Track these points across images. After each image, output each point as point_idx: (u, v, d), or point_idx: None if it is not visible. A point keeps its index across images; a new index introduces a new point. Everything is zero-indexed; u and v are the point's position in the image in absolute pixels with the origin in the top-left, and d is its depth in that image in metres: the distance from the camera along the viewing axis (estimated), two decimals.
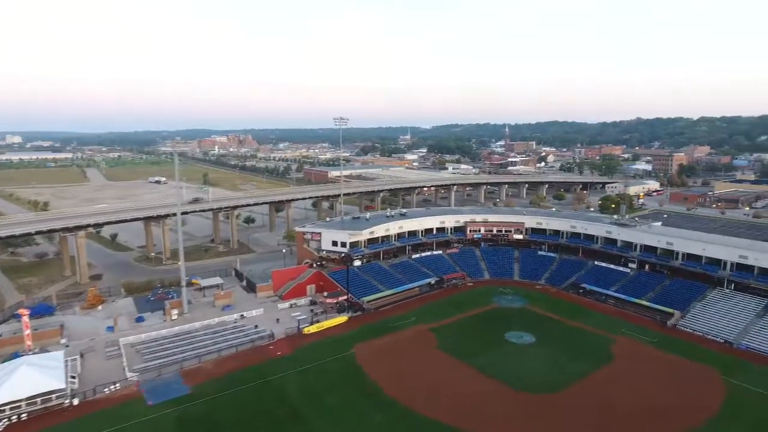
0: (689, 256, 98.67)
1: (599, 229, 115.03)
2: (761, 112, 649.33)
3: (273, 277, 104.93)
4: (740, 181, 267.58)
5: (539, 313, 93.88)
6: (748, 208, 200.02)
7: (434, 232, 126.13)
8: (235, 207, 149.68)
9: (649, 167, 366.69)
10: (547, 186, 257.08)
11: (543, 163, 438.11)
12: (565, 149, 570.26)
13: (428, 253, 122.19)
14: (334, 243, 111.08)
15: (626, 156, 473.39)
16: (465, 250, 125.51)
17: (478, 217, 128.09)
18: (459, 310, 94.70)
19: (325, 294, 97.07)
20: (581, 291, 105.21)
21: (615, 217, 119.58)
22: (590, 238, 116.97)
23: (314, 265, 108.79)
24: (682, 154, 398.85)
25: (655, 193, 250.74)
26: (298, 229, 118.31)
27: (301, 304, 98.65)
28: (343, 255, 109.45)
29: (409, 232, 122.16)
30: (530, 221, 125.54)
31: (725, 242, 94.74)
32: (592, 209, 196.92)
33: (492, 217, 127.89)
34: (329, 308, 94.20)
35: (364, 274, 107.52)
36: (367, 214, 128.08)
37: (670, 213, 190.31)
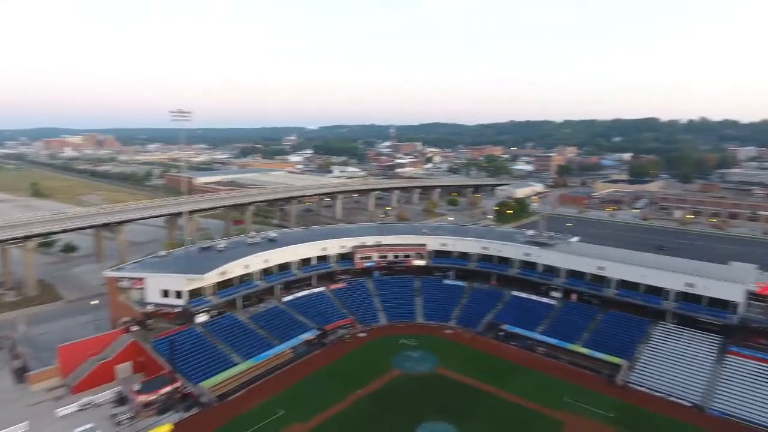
0: (625, 284, 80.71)
1: (516, 251, 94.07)
2: (614, 116, 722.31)
3: (60, 354, 67.39)
4: (616, 181, 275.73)
5: (456, 379, 68.61)
6: (637, 210, 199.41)
7: (314, 262, 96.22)
8: (29, 237, 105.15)
9: (530, 167, 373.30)
10: (439, 190, 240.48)
11: (430, 164, 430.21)
12: (449, 150, 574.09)
13: (306, 292, 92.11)
14: (166, 293, 76.08)
15: (506, 156, 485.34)
16: (354, 284, 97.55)
17: (370, 240, 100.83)
18: (347, 387, 66.01)
19: (137, 386, 61.69)
20: (501, 334, 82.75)
21: (529, 233, 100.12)
22: (505, 261, 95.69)
23: (131, 329, 72.77)
24: (555, 154, 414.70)
25: (542, 195, 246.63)
26: (108, 273, 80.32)
27: (102, 401, 62.65)
28: (179, 309, 75.26)
29: (279, 265, 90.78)
30: (433, 242, 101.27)
31: (668, 266, 78.39)
32: (490, 217, 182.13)
33: (387, 239, 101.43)
34: (143, 410, 59.53)
35: (210, 337, 74.28)
36: (221, 243, 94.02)
37: (564, 217, 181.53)
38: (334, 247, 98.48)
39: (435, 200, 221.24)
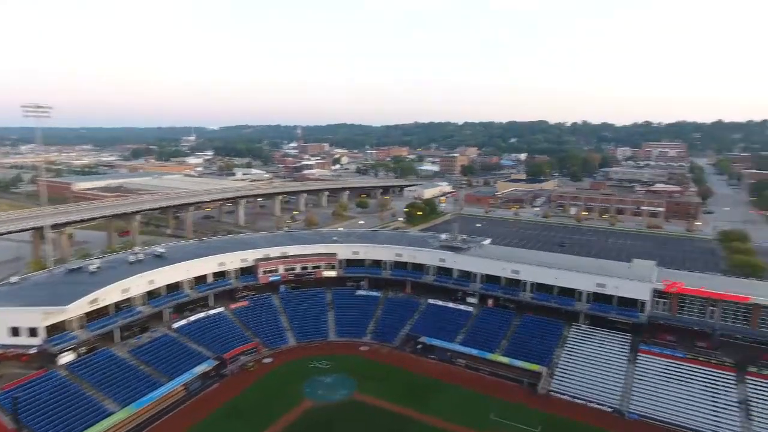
0: (540, 287, 79.82)
1: (430, 256, 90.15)
2: (509, 118, 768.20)
3: None
4: (516, 180, 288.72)
5: (375, 405, 62.31)
6: (537, 209, 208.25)
7: (210, 279, 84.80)
8: None
9: (436, 168, 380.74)
10: (348, 192, 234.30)
11: (338, 166, 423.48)
12: (356, 151, 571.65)
13: (202, 315, 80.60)
14: (16, 331, 61.22)
15: (412, 157, 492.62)
16: (258, 302, 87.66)
17: (275, 251, 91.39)
18: (253, 428, 56.87)
19: None
20: (419, 347, 78.06)
21: (443, 237, 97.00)
22: (420, 268, 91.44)
23: None
24: (459, 154, 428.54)
25: (449, 195, 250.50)
26: None
27: None
28: (34, 351, 61.01)
29: (168, 285, 78.37)
30: (345, 251, 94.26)
31: (580, 267, 78.63)
32: (401, 219, 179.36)
33: (294, 250, 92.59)
34: None
35: (77, 382, 60.88)
36: (94, 263, 79.10)
37: (473, 217, 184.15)
38: (233, 261, 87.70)
39: (344, 203, 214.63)
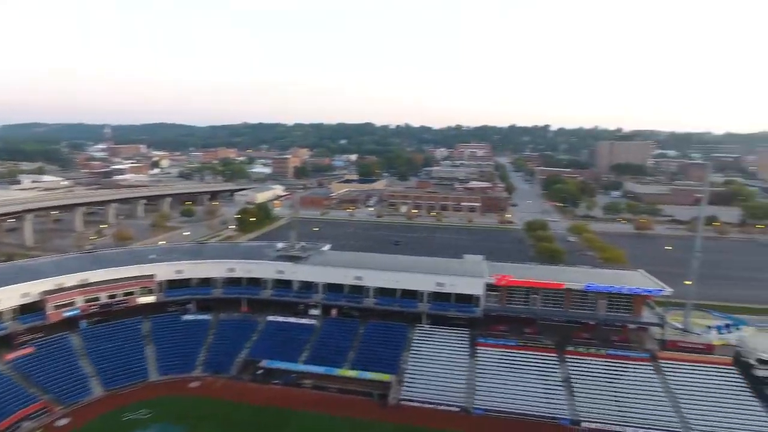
0: (383, 291, 78.35)
1: (267, 269, 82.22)
2: (338, 120, 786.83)
3: None
4: (349, 181, 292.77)
5: None
6: (371, 209, 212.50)
7: None
8: None
9: (268, 170, 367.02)
10: (170, 199, 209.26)
11: (157, 170, 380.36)
12: (179, 153, 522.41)
13: None
14: None
15: (242, 159, 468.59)
16: (48, 347, 69.45)
17: (70, 279, 73.50)
18: None
19: None
20: (260, 372, 70.13)
21: (281, 245, 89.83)
22: (256, 282, 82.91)
23: None
24: (291, 156, 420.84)
25: (284, 198, 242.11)
26: None
27: None
28: None
29: None
30: (165, 271, 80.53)
31: (420, 268, 79.07)
32: (232, 227, 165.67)
33: (97, 275, 75.68)
34: None
35: None
36: None
37: (309, 220, 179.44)
38: (10, 297, 67.95)
39: (166, 212, 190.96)
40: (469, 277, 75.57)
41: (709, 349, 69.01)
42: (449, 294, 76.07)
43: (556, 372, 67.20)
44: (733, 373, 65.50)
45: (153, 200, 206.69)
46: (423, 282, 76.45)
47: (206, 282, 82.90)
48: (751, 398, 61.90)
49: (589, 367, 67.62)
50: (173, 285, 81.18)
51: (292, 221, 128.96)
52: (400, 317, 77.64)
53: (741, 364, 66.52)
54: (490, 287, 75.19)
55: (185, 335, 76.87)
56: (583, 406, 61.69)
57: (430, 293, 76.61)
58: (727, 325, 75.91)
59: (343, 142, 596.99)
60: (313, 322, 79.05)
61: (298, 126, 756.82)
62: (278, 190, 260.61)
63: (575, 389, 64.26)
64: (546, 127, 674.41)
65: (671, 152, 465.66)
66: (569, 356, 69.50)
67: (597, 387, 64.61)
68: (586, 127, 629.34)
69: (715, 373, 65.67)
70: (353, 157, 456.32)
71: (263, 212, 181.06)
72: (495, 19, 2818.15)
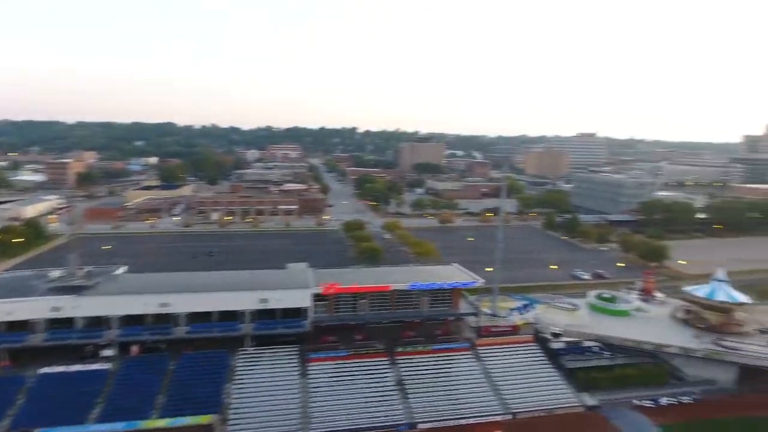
0: (196, 316, 67.73)
1: (37, 307, 63.91)
2: (133, 119, 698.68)
3: None
4: (149, 188, 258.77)
5: None
6: (177, 218, 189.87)
7: None
8: None
9: (40, 177, 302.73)
10: None
11: None
12: None
13: None
14: None
15: (3, 164, 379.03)
16: None
17: None
18: None
19: None
20: None
21: (56, 273, 71.05)
22: (20, 326, 63.84)
23: None
24: (72, 160, 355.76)
25: (62, 211, 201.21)
26: None
27: None
28: None
29: None
30: None
31: (240, 285, 70.12)
32: None
33: None
34: None
35: None
36: None
37: (98, 236, 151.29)
38: None
39: None
40: (295, 290, 70.22)
41: (514, 329, 76.72)
42: (274, 310, 69.59)
43: (388, 376, 66.49)
44: (535, 348, 73.75)
45: None
46: (244, 300, 68.40)
47: None
48: (550, 368, 70.31)
49: (418, 366, 68.70)
50: None
51: (72, 239, 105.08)
52: (219, 343, 68.20)
53: (539, 339, 75.39)
54: (317, 297, 71.10)
55: None
56: (418, 407, 61.88)
57: (253, 311, 69.02)
58: (525, 306, 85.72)
59: (139, 143, 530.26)
60: (106, 366, 64.05)
61: (81, 125, 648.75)
62: (54, 201, 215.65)
63: (408, 391, 64.30)
64: (354, 129, 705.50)
65: (459, 152, 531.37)
66: (399, 357, 69.67)
67: (428, 385, 65.81)
68: (389, 129, 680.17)
69: (522, 351, 73.14)
70: (153, 160, 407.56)
71: (33, 230, 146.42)
72: (300, 18, 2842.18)
